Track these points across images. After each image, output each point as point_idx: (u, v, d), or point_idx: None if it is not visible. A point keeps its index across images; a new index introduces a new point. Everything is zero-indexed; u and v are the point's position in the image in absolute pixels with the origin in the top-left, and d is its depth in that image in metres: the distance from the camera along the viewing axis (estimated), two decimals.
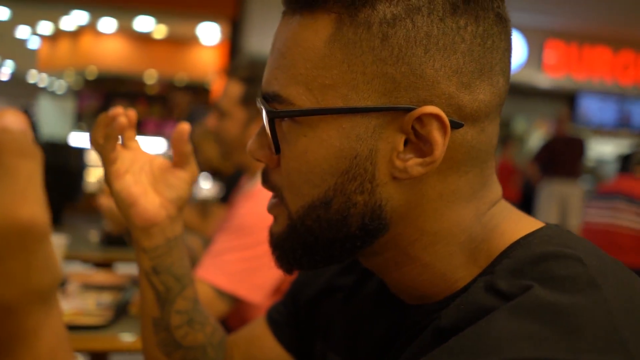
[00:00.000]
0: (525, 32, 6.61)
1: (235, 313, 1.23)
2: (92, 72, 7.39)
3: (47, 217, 0.28)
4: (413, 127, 0.41)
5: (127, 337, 1.15)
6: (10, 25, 6.78)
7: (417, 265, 0.45)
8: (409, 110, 0.41)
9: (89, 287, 1.44)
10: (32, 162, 0.28)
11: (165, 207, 0.58)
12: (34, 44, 7.79)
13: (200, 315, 0.63)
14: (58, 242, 1.52)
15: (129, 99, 7.66)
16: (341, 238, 0.44)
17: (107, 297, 1.36)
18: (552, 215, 5.51)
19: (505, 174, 6.16)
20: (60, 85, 10.14)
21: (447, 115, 0.41)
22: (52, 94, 11.22)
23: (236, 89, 1.31)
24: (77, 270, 1.83)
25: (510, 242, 0.44)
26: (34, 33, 7.25)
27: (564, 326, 0.35)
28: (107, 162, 0.57)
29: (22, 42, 7.88)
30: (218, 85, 1.43)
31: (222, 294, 1.11)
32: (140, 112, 7.67)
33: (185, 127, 0.59)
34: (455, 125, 0.42)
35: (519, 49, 6.68)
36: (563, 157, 5.38)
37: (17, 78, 11.41)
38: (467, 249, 0.45)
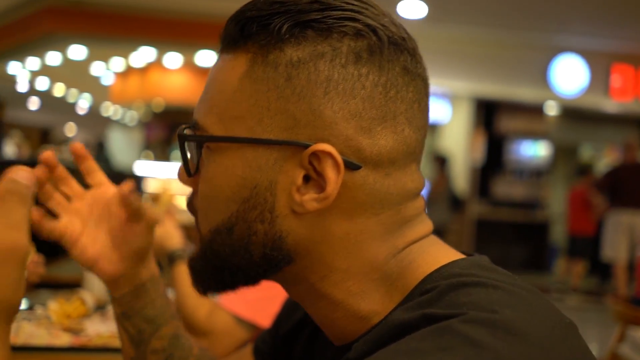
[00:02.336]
0: (590, 56, 6.38)
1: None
2: (158, 104, 7.81)
3: (28, 245, 0.42)
4: (311, 164, 0.43)
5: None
6: (86, 63, 7.31)
7: (329, 301, 0.46)
8: (306, 146, 0.43)
9: None
10: (25, 209, 0.42)
11: (126, 261, 0.61)
12: (107, 79, 8.34)
13: (181, 350, 0.66)
14: None
15: None
16: (244, 264, 0.46)
17: None
18: (621, 247, 5.19)
19: (580, 204, 5.89)
20: (131, 117, 10.77)
21: (344, 156, 0.43)
22: (124, 125, 11.93)
23: None
24: None
25: (424, 275, 0.45)
26: (107, 69, 7.77)
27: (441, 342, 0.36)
28: (56, 236, 0.59)
29: (97, 79, 8.46)
30: None
31: (241, 321, 1.13)
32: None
33: (128, 185, 0.59)
34: (352, 166, 0.43)
35: (581, 74, 6.45)
36: (631, 185, 5.08)
37: (93, 111, 12.24)
38: (382, 286, 0.45)
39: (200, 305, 1.13)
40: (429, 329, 0.37)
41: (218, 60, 0.48)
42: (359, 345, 0.43)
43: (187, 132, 0.48)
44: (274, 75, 0.44)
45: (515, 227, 7.10)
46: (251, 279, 0.48)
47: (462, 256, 0.47)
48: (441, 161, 6.14)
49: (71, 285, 1.64)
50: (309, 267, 0.46)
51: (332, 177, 0.42)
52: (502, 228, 7.01)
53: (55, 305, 1.39)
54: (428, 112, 0.48)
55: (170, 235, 1.22)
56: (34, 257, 1.38)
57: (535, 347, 0.36)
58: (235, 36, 0.46)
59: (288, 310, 0.64)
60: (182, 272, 1.18)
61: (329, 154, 0.42)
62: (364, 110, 0.43)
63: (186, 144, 0.48)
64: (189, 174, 0.48)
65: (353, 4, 0.44)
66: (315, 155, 0.43)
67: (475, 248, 6.72)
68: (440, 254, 0.47)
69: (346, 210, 0.44)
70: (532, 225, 7.16)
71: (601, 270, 6.40)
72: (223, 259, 0.46)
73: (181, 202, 1.82)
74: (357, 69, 0.43)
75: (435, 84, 7.04)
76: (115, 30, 5.76)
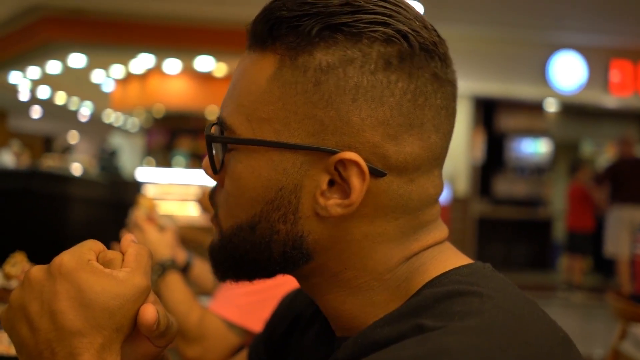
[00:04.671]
0: (588, 52, 6.37)
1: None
2: (159, 110, 7.84)
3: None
4: (337, 169, 0.44)
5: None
6: (86, 71, 7.34)
7: (341, 294, 0.47)
8: (332, 153, 0.43)
9: None
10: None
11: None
12: (107, 86, 8.37)
13: None
14: None
15: (192, 135, 8.05)
16: (263, 260, 0.47)
17: None
18: (622, 242, 5.17)
19: (578, 200, 5.87)
20: (132, 124, 10.80)
21: (370, 163, 0.43)
22: (125, 131, 11.96)
23: None
24: None
25: (429, 279, 0.45)
26: (108, 76, 7.80)
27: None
28: None
29: (98, 86, 8.49)
30: None
31: (232, 326, 1.13)
32: (203, 147, 8.01)
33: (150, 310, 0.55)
34: (377, 173, 0.43)
35: (579, 70, 6.44)
36: (630, 180, 5.07)
37: (95, 119, 12.28)
38: (390, 287, 0.46)
39: (190, 312, 1.14)
40: (415, 339, 0.38)
41: (245, 58, 0.48)
42: (348, 344, 0.44)
43: (213, 130, 0.48)
44: (303, 80, 0.43)
45: (518, 225, 7.08)
46: (269, 273, 0.49)
47: (469, 262, 0.48)
48: None
49: None
50: (325, 264, 0.47)
51: (358, 185, 0.43)
52: (504, 226, 7.00)
53: None
54: (454, 117, 0.48)
55: (158, 244, 1.22)
56: (25, 266, 1.39)
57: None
58: (263, 36, 0.45)
59: (281, 313, 0.66)
60: (172, 282, 1.18)
61: (355, 163, 0.43)
62: (391, 118, 0.43)
63: (221, 145, 0.48)
64: (215, 171, 0.49)
65: (385, 7, 0.44)
66: (342, 162, 0.43)
67: (477, 247, 6.71)
68: (449, 261, 0.47)
69: (368, 214, 0.45)
70: (535, 223, 7.15)
71: (605, 266, 6.38)
72: (243, 254, 0.47)
73: (163, 208, 1.83)
74: (387, 76, 0.43)
75: None
76: (114, 37, 5.79)
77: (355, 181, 0.43)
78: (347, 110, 0.43)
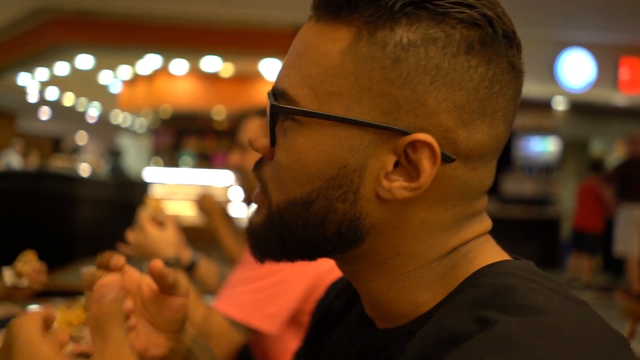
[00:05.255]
0: (597, 50, 6.32)
1: (256, 345, 1.26)
2: (166, 111, 7.87)
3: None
4: (405, 151, 0.42)
5: None
6: (94, 72, 7.39)
7: (387, 282, 0.46)
8: (405, 133, 0.42)
9: None
10: (122, 326, 0.43)
11: (170, 339, 0.58)
12: (115, 87, 8.42)
13: None
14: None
15: (199, 135, 8.07)
16: (314, 239, 0.45)
17: None
18: (633, 242, 5.12)
19: (589, 199, 5.83)
20: (140, 124, 10.85)
21: (441, 147, 0.42)
22: (133, 132, 12.02)
23: (256, 124, 1.37)
24: None
25: (477, 268, 0.44)
26: (115, 77, 7.84)
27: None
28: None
29: (105, 87, 8.54)
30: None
31: (236, 324, 1.13)
32: (210, 147, 8.05)
33: (157, 264, 0.56)
34: (447, 159, 0.42)
35: (588, 68, 6.39)
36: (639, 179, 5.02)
37: (103, 119, 12.36)
38: (437, 274, 0.45)
39: (195, 310, 1.14)
40: (490, 340, 0.36)
41: (312, 27, 0.45)
42: (413, 345, 0.42)
43: (279, 102, 0.45)
44: (381, 55, 0.42)
45: (526, 224, 7.04)
46: (315, 253, 0.47)
47: (512, 256, 0.47)
48: None
49: (73, 293, 1.66)
50: (376, 249, 0.45)
51: (427, 168, 0.42)
52: (513, 225, 6.96)
53: (56, 313, 1.40)
54: (518, 109, 0.47)
55: (163, 243, 1.22)
56: (36, 265, 1.40)
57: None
58: (339, 4, 0.43)
59: (318, 319, 0.64)
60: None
61: (428, 145, 0.41)
62: (467, 103, 0.42)
63: (277, 116, 0.46)
64: (273, 143, 0.46)
65: None
66: (412, 143, 0.42)
67: None
68: (495, 252, 0.47)
69: (428, 200, 0.44)
70: (543, 222, 7.10)
71: (614, 265, 6.33)
72: (292, 231, 0.45)
73: (170, 208, 1.84)
74: (468, 60, 0.42)
75: None
76: (121, 38, 5.81)
77: (426, 164, 0.42)
78: (425, 91, 0.41)
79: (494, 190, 7.18)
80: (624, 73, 6.46)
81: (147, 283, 0.59)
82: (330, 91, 0.43)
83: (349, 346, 0.53)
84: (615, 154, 8.00)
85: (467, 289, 0.42)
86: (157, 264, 0.56)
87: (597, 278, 6.21)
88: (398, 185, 0.42)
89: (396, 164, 0.43)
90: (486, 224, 0.48)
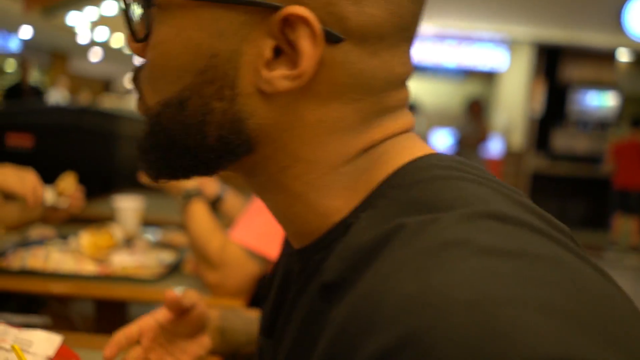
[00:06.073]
0: None
1: None
2: None
3: None
4: (284, 32, 0.36)
5: (176, 291, 1.22)
6: None
7: (288, 195, 0.40)
8: (277, 8, 0.35)
9: (156, 245, 1.56)
10: None
11: (198, 340, 0.73)
12: None
13: None
14: (134, 204, 1.66)
15: None
16: (196, 146, 0.40)
17: (168, 256, 1.45)
18: None
19: (636, 156, 5.55)
20: None
21: (323, 24, 0.35)
22: None
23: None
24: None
25: (394, 169, 0.38)
26: None
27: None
28: None
29: None
30: None
31: (252, 254, 1.14)
32: None
33: (171, 295, 0.69)
34: (332, 38, 0.35)
35: None
36: None
37: None
38: (348, 181, 0.39)
39: (212, 239, 1.16)
40: (425, 240, 0.30)
41: None
42: (331, 264, 0.37)
43: None
44: None
45: (575, 182, 6.77)
46: (204, 166, 0.41)
47: (435, 151, 0.41)
48: (477, 108, 5.63)
49: (103, 220, 1.70)
50: (270, 157, 0.40)
51: (308, 49, 0.35)
52: (561, 183, 6.71)
53: (85, 236, 1.44)
54: None
55: None
56: (77, 191, 1.43)
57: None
58: None
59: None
60: (197, 210, 1.21)
61: (305, 20, 0.35)
62: None
63: (131, 2, 0.40)
64: (137, 38, 0.40)
65: None
66: (288, 21, 0.35)
67: None
68: (417, 149, 0.40)
69: (322, 93, 0.37)
70: (594, 181, 6.81)
71: None
72: (172, 137, 0.40)
73: None
74: None
75: (493, 29, 6.66)
76: None
77: (305, 44, 0.35)
78: None
79: (542, 146, 6.90)
80: None
81: (162, 315, 0.70)
82: None
83: (276, 273, 0.50)
84: None
85: (387, 192, 0.37)
86: (171, 294, 0.66)
87: None
88: (278, 75, 0.36)
89: (279, 53, 0.36)
90: (405, 121, 0.41)
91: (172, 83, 0.38)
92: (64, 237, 1.52)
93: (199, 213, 1.20)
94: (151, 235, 1.67)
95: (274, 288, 0.50)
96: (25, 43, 10.60)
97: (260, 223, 1.15)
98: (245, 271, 1.13)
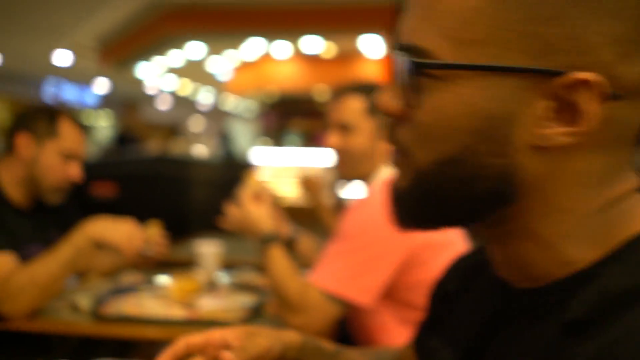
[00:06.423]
0: None
1: (352, 319, 1.28)
2: (272, 94, 8.12)
3: None
4: (560, 94, 0.39)
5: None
6: (203, 61, 7.79)
7: (534, 241, 0.43)
8: (559, 74, 0.38)
9: (235, 287, 1.63)
10: None
11: None
12: (224, 74, 8.82)
13: None
14: (215, 249, 1.74)
15: (303, 116, 8.27)
16: (466, 199, 0.43)
17: (248, 298, 1.51)
18: None
19: None
20: (247, 108, 11.33)
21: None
22: (242, 117, 12.60)
23: (358, 102, 1.35)
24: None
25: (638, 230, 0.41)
26: (224, 64, 8.22)
27: None
28: None
29: (214, 75, 8.98)
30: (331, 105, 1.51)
31: (331, 298, 1.15)
32: (314, 127, 8.23)
33: (228, 356, 0.64)
34: (614, 97, 0.38)
35: None
36: None
37: (213, 106, 13.06)
38: (593, 230, 0.41)
39: (292, 284, 1.17)
40: None
41: None
42: (577, 303, 0.39)
43: (411, 59, 0.42)
44: None
45: None
46: (467, 216, 0.45)
47: None
48: None
49: (184, 264, 1.78)
50: (531, 205, 0.42)
51: (593, 109, 0.38)
52: None
53: (172, 282, 1.53)
54: None
55: (263, 219, 1.27)
56: (162, 238, 1.53)
57: None
58: None
59: (437, 299, 0.63)
60: (276, 254, 1.22)
61: (591, 83, 0.38)
62: (626, 33, 0.38)
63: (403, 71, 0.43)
64: (411, 104, 0.43)
65: None
66: (569, 85, 0.38)
67: None
68: None
69: (593, 146, 0.40)
70: None
71: None
72: (443, 192, 0.43)
73: (272, 187, 1.93)
74: None
75: None
76: (228, 25, 6.08)
77: (590, 105, 0.38)
78: (578, 25, 0.38)
79: None
80: None
81: (231, 334, 0.66)
82: (469, 39, 0.40)
83: (477, 310, 0.51)
84: None
85: (633, 250, 0.39)
86: (228, 356, 0.63)
87: None
88: (557, 132, 0.39)
89: (550, 109, 0.39)
90: (636, 176, 0.43)
91: (449, 143, 0.42)
92: (149, 281, 1.61)
93: (278, 257, 1.21)
94: (228, 277, 1.74)
95: (461, 323, 0.53)
96: (103, 96, 11.39)
97: (339, 267, 1.16)
98: (325, 315, 1.14)
